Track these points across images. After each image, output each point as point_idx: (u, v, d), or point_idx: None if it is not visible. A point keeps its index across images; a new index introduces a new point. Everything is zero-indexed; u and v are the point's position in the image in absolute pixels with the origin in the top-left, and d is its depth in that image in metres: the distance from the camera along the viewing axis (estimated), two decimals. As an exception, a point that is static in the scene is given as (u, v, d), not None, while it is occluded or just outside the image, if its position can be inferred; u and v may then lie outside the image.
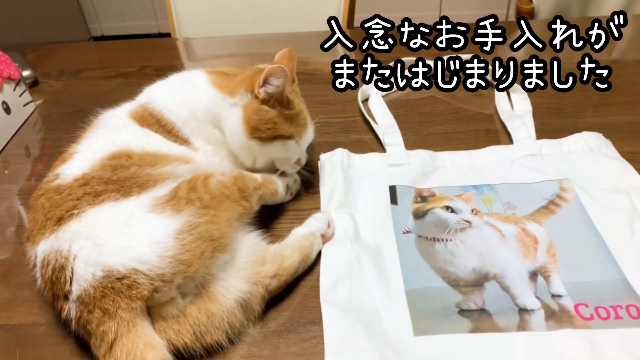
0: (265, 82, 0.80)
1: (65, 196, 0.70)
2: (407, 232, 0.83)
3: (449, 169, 0.95)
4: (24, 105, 1.20)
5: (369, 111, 1.13)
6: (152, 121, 0.84)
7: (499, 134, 1.06)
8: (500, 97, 1.12)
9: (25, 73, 1.29)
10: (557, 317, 0.69)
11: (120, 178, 0.72)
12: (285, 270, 0.74)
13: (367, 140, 1.07)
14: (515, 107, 1.11)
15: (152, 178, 0.73)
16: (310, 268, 0.79)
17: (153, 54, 1.47)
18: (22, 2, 2.85)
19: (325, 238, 0.81)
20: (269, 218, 0.87)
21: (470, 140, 1.04)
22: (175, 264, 0.63)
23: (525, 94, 1.10)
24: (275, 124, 0.82)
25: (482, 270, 0.76)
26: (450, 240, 0.81)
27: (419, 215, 0.86)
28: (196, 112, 0.84)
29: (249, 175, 0.81)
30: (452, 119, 1.11)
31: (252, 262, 0.72)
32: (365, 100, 1.17)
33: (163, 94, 0.87)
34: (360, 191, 0.91)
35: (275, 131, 0.82)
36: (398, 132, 1.03)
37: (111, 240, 0.64)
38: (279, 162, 0.88)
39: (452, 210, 0.86)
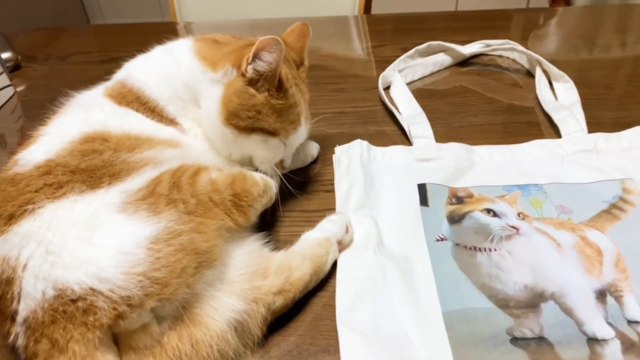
0: (256, 57, 0.64)
1: (22, 188, 0.56)
2: (442, 239, 0.69)
3: (488, 165, 0.81)
4: (1, 89, 1.07)
5: (390, 100, 0.99)
6: (132, 99, 0.70)
7: (541, 127, 0.91)
8: (541, 87, 0.98)
9: (5, 55, 1.16)
10: (638, 349, 0.54)
11: (89, 166, 0.58)
12: (293, 284, 0.59)
13: (388, 132, 0.92)
14: (559, 98, 0.96)
15: (128, 166, 0.58)
16: (323, 282, 0.64)
17: (150, 38, 1.32)
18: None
19: (342, 245, 0.67)
20: (272, 219, 0.73)
21: (510, 134, 0.90)
22: (147, 284, 0.48)
23: (571, 83, 0.96)
24: (259, 113, 0.67)
25: (536, 287, 0.61)
26: (495, 250, 0.66)
27: (454, 219, 0.71)
28: (177, 89, 0.70)
29: (251, 178, 0.65)
30: (486, 109, 0.97)
31: (250, 274, 0.58)
32: (387, 89, 1.03)
33: (143, 68, 0.73)
34: (383, 190, 0.77)
35: (256, 122, 0.67)
36: (427, 122, 0.88)
37: (67, 248, 0.50)
38: (257, 159, 0.72)
39: (495, 214, 0.71)
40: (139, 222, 0.52)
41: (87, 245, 0.50)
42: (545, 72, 1.01)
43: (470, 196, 0.75)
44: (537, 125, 0.92)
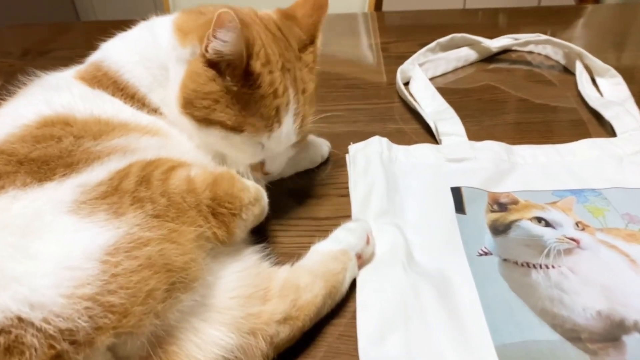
0: (214, 34, 0.51)
1: (-49, 181, 0.43)
2: (485, 253, 0.55)
3: (531, 167, 0.68)
4: (-33, 82, 0.94)
5: (410, 96, 0.86)
6: (108, 83, 0.57)
7: (588, 126, 0.79)
8: (583, 82, 0.86)
9: (-24, 48, 1.04)
10: None
11: (42, 155, 0.45)
12: (302, 310, 0.46)
13: (408, 130, 0.80)
14: (605, 94, 0.84)
15: (91, 155, 0.46)
16: (339, 306, 0.51)
17: (141, 35, 1.22)
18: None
19: (362, 260, 0.54)
20: (273, 227, 0.60)
21: (552, 133, 0.77)
22: (98, 312, 0.35)
23: (619, 77, 0.83)
24: (216, 102, 0.52)
25: (613, 314, 0.48)
26: (553, 266, 0.53)
27: (499, 229, 0.58)
28: (156, 74, 0.58)
29: (241, 181, 0.50)
30: (521, 107, 0.85)
31: (245, 297, 0.45)
32: (405, 85, 0.90)
33: (120, 49, 0.61)
34: (409, 194, 0.64)
35: (212, 112, 0.53)
36: (456, 117, 0.76)
37: None
38: (228, 159, 0.58)
39: (548, 224, 0.58)
40: (94, 226, 0.38)
41: (20, 256, 0.36)
42: (586, 67, 0.89)
43: (515, 202, 0.62)
44: (582, 124, 0.79)
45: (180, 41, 0.55)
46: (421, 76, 0.87)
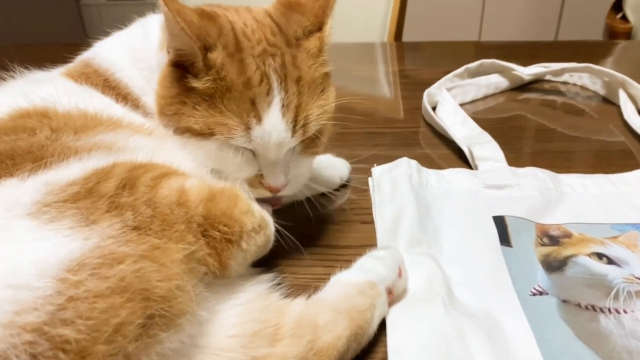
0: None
1: None
2: (540, 292, 0.46)
3: (582, 197, 0.59)
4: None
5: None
6: (98, 81, 0.51)
7: (637, 157, 0.70)
8: (629, 112, 0.78)
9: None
10: None
11: (8, 149, 0.38)
12: (320, 354, 0.37)
13: (434, 156, 0.72)
14: (653, 125, 0.76)
15: (67, 150, 0.37)
16: (365, 352, 0.42)
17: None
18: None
19: (393, 296, 0.44)
20: (285, 253, 0.50)
21: (599, 163, 0.70)
22: (44, 350, 0.26)
23: (669, 106, 0.75)
24: (183, 105, 0.45)
25: None
26: (625, 311, 0.43)
27: (553, 265, 0.49)
28: (147, 75, 0.51)
29: (244, 202, 0.41)
30: (560, 136, 0.76)
31: (249, 336, 0.36)
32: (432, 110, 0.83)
33: (112, 47, 0.55)
34: (444, 222, 0.55)
35: (180, 119, 0.45)
36: (493, 142, 0.68)
37: None
38: (223, 174, 0.49)
39: (610, 261, 0.49)
40: (56, 235, 0.30)
41: None
42: (630, 97, 0.81)
43: (568, 236, 0.53)
44: (630, 154, 0.71)
45: (161, 44, 0.48)
46: (450, 101, 0.80)
